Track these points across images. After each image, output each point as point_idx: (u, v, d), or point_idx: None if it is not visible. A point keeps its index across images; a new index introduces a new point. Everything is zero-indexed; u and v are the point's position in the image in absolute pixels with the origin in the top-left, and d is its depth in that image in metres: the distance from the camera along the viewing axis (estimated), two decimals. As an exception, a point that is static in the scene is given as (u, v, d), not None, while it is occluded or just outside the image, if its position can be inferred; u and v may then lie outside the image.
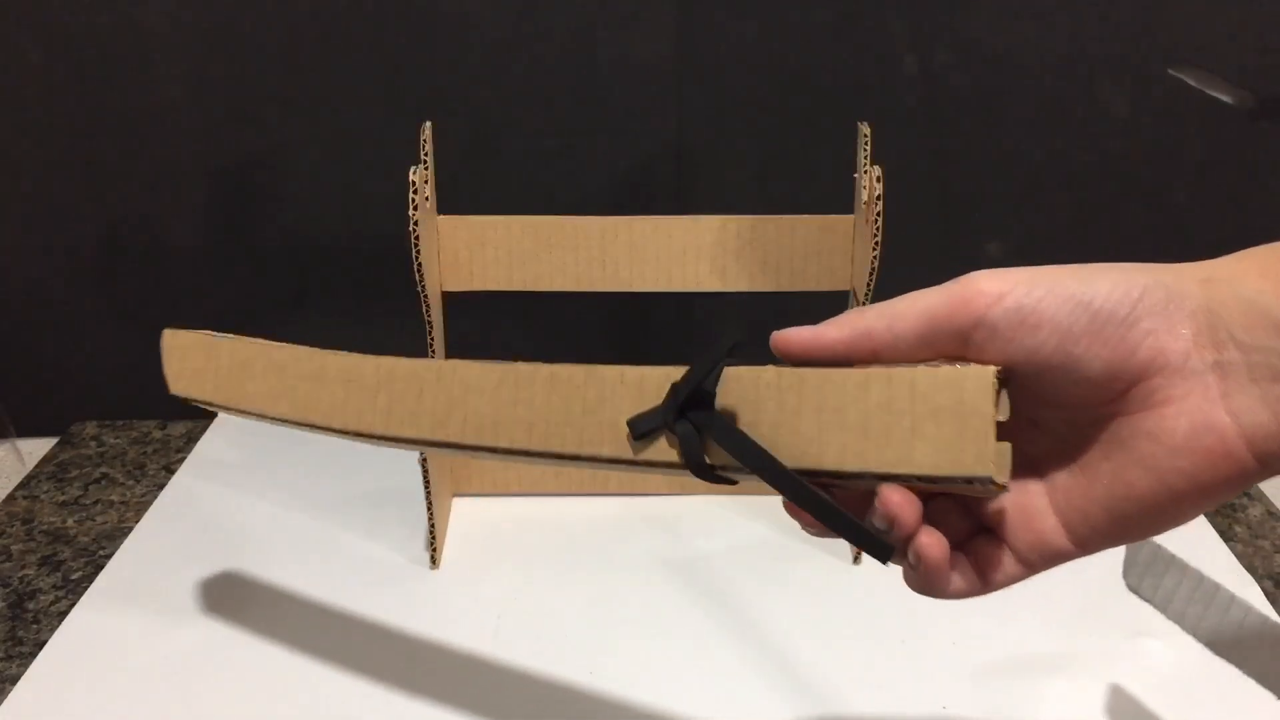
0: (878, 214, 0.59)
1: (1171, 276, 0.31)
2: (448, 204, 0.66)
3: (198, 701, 0.54)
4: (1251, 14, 0.72)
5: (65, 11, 0.72)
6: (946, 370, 0.33)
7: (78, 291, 0.80)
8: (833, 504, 0.34)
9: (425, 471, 0.62)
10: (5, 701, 0.54)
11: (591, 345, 0.82)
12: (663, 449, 0.37)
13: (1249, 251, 0.32)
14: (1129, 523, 0.32)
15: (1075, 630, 0.58)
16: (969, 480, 0.32)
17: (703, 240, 0.65)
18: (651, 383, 0.37)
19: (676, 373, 0.37)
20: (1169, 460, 0.31)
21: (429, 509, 0.63)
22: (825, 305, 0.68)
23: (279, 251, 0.79)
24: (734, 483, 0.36)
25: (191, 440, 0.80)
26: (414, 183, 0.60)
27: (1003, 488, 0.32)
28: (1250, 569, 0.64)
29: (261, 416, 0.49)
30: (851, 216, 0.65)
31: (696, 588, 0.62)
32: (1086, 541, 0.34)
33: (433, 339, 0.65)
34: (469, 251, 0.66)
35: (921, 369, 0.33)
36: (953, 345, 0.33)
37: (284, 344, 0.50)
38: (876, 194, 0.59)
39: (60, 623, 0.60)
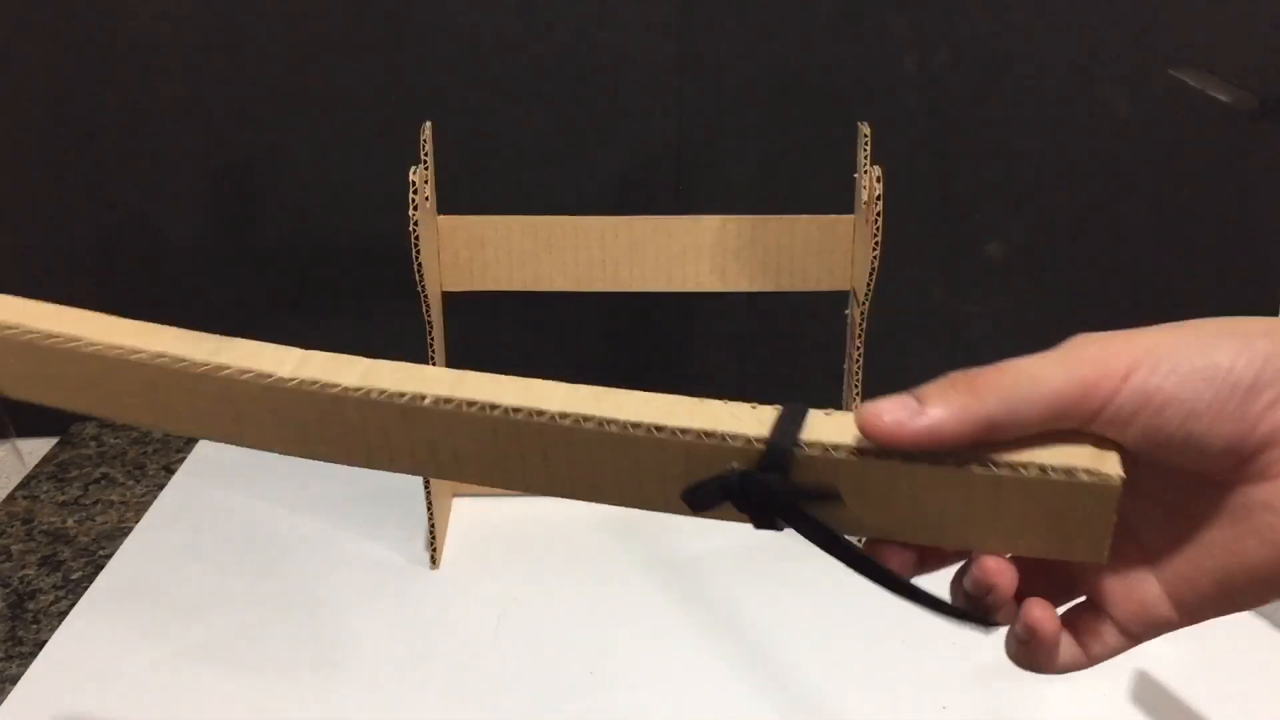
0: (878, 214, 0.59)
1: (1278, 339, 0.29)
2: (448, 204, 0.66)
3: (198, 701, 0.54)
4: (1251, 14, 0.72)
5: (66, 12, 0.72)
6: (1068, 483, 0.30)
7: (77, 291, 0.80)
8: (925, 592, 0.33)
9: (425, 471, 0.62)
10: (5, 701, 0.54)
11: (591, 345, 0.82)
12: (725, 510, 0.34)
13: None
14: (1239, 593, 0.32)
15: (1075, 630, 0.58)
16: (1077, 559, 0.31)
17: (703, 240, 0.65)
18: (702, 452, 0.33)
19: (721, 432, 0.32)
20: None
21: (429, 509, 0.63)
22: (825, 305, 0.68)
23: (279, 251, 0.79)
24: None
25: (191, 440, 0.80)
26: (414, 183, 0.60)
27: (1102, 561, 0.31)
28: (1250, 569, 0.64)
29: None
30: (851, 216, 0.65)
31: (696, 588, 0.62)
32: (1194, 612, 0.33)
33: (433, 339, 0.65)
34: (469, 251, 0.66)
35: (1036, 476, 0.30)
36: (1074, 426, 0.30)
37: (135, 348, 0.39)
38: (876, 194, 0.59)
39: (60, 623, 0.60)
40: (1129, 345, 0.29)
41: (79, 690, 0.55)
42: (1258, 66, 0.74)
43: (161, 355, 0.38)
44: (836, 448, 0.31)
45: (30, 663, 0.57)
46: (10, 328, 0.40)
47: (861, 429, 0.30)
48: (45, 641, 0.59)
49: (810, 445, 0.31)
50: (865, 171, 0.60)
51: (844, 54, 0.74)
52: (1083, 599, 0.34)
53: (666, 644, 0.58)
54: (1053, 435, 0.30)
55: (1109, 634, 0.33)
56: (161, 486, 0.74)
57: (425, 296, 0.63)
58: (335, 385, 0.35)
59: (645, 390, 0.35)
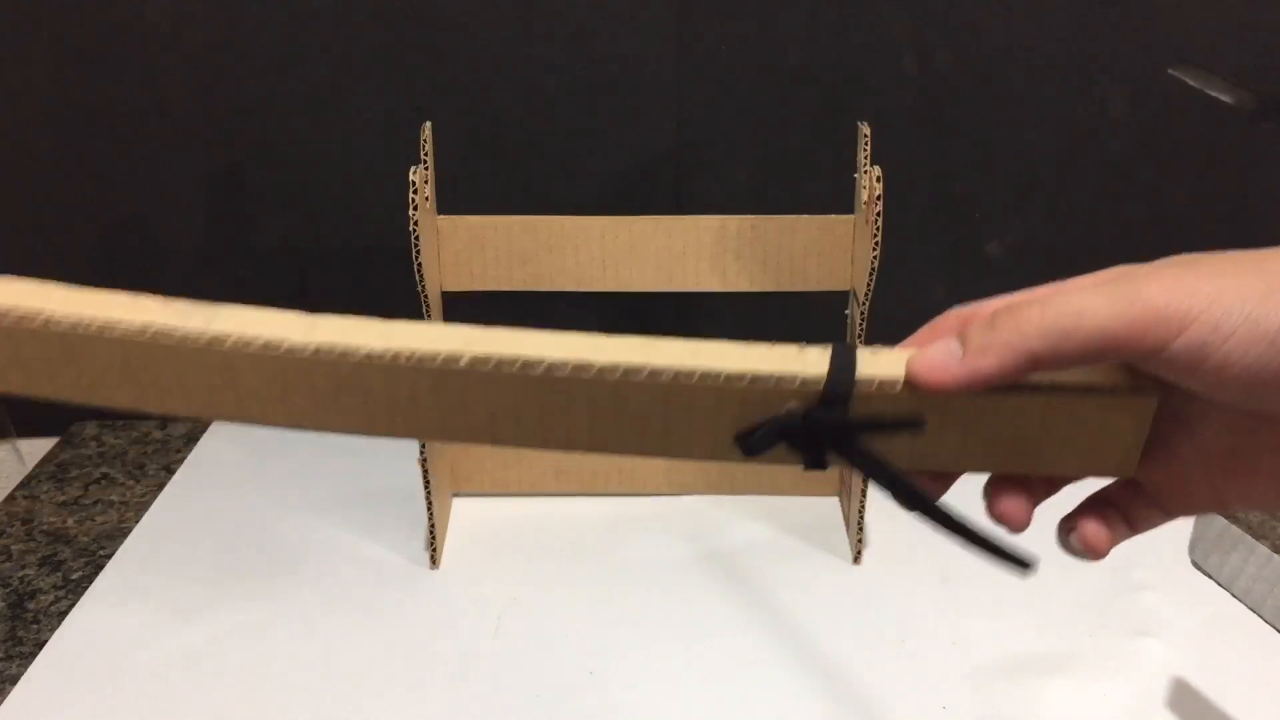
0: (878, 214, 0.59)
1: None
2: (448, 204, 0.66)
3: (197, 701, 0.54)
4: (1251, 14, 0.72)
5: (66, 11, 0.72)
6: (1108, 401, 0.32)
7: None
8: (979, 531, 0.34)
9: (425, 471, 0.62)
10: (5, 701, 0.54)
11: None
12: (778, 453, 0.33)
13: None
14: (1255, 503, 0.32)
15: (1075, 630, 0.58)
16: (1108, 476, 0.34)
17: (703, 240, 0.65)
18: (755, 395, 0.32)
19: (772, 374, 0.32)
20: None
21: (429, 509, 0.63)
22: (826, 305, 0.68)
23: (279, 251, 0.79)
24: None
25: (191, 440, 0.80)
26: (414, 183, 0.60)
27: (1130, 475, 0.34)
28: (1250, 569, 0.64)
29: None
30: (851, 217, 0.65)
31: (696, 588, 0.62)
32: (1235, 507, 0.33)
33: (433, 339, 0.65)
34: (469, 251, 0.66)
35: (1078, 397, 0.32)
36: (1118, 366, 0.31)
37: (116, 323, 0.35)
38: (876, 194, 0.59)
39: (60, 623, 0.60)
40: (1190, 293, 0.27)
41: (79, 690, 0.55)
42: (1258, 66, 0.74)
43: (147, 328, 0.34)
44: (892, 383, 0.31)
45: (30, 663, 0.57)
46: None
47: (912, 379, 0.31)
48: (45, 641, 0.59)
49: (865, 382, 0.31)
50: (865, 171, 0.60)
51: (844, 54, 0.74)
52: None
53: (666, 644, 0.58)
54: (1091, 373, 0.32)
55: (1154, 515, 0.34)
56: (161, 486, 0.74)
57: (425, 296, 0.63)
58: (358, 351, 0.32)
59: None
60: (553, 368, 0.32)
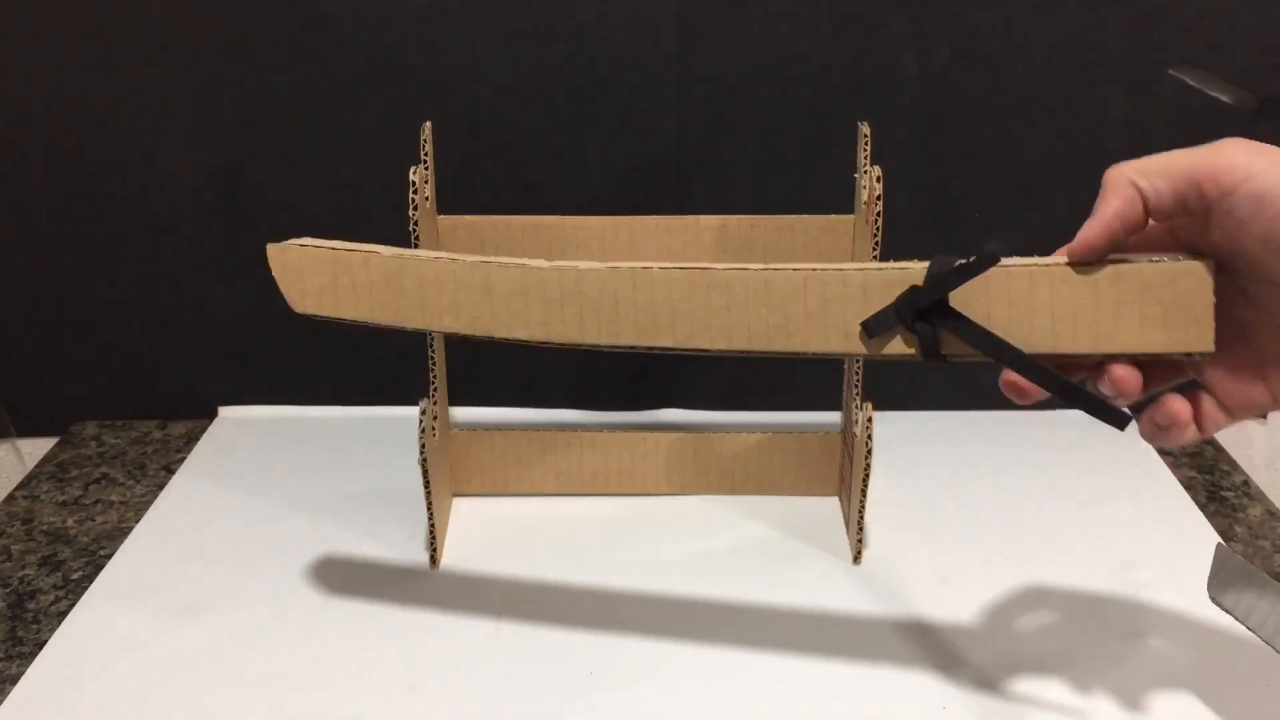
0: (878, 214, 0.59)
1: None
2: (448, 204, 0.66)
3: (198, 701, 0.54)
4: (1251, 14, 0.72)
5: (67, 10, 0.72)
6: (1170, 265, 0.39)
7: (78, 291, 0.80)
8: (1071, 382, 0.40)
9: (425, 471, 0.62)
10: (5, 701, 0.54)
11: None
12: (897, 344, 0.42)
13: None
14: None
15: (1075, 630, 0.58)
16: (1188, 354, 0.39)
17: (703, 240, 0.65)
18: (875, 285, 0.42)
19: (892, 272, 0.42)
20: None
21: (429, 509, 0.63)
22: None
23: (279, 251, 0.79)
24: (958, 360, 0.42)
25: (191, 440, 0.80)
26: (414, 183, 0.60)
27: (1210, 354, 0.39)
28: (1250, 569, 0.64)
29: (419, 328, 0.50)
30: (851, 217, 0.65)
31: (696, 588, 0.62)
32: (1245, 413, 0.39)
33: (433, 339, 0.65)
34: (469, 251, 0.66)
35: (1146, 265, 0.40)
36: (1198, 212, 0.36)
37: (418, 251, 0.49)
38: (876, 194, 0.59)
39: (60, 623, 0.60)
40: (1258, 155, 0.34)
41: (79, 690, 0.55)
42: (1258, 66, 0.74)
43: (439, 256, 0.48)
44: (981, 262, 0.40)
45: (30, 663, 0.57)
46: (316, 245, 0.50)
47: (1077, 243, 0.40)
48: (45, 641, 0.59)
49: (961, 263, 0.40)
50: (865, 171, 0.60)
51: (844, 54, 0.74)
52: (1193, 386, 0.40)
53: (666, 644, 0.58)
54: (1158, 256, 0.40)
55: (1218, 415, 0.39)
56: (161, 486, 0.74)
57: (425, 296, 0.63)
58: (580, 266, 0.45)
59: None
60: (719, 271, 0.44)
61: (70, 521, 0.71)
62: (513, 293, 0.47)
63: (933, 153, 0.76)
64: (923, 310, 0.41)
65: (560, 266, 0.45)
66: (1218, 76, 0.74)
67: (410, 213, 0.60)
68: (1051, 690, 0.54)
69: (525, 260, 0.46)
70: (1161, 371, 0.40)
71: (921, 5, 0.72)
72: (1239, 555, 0.47)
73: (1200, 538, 0.67)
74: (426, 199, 0.61)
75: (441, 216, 0.65)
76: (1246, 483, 0.74)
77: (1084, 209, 0.82)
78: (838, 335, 0.43)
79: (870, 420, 0.60)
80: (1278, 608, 0.46)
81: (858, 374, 0.65)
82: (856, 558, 0.64)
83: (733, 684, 0.55)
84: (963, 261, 0.40)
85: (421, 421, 0.60)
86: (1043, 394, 0.40)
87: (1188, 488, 0.72)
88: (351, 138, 0.76)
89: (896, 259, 0.43)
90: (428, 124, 0.62)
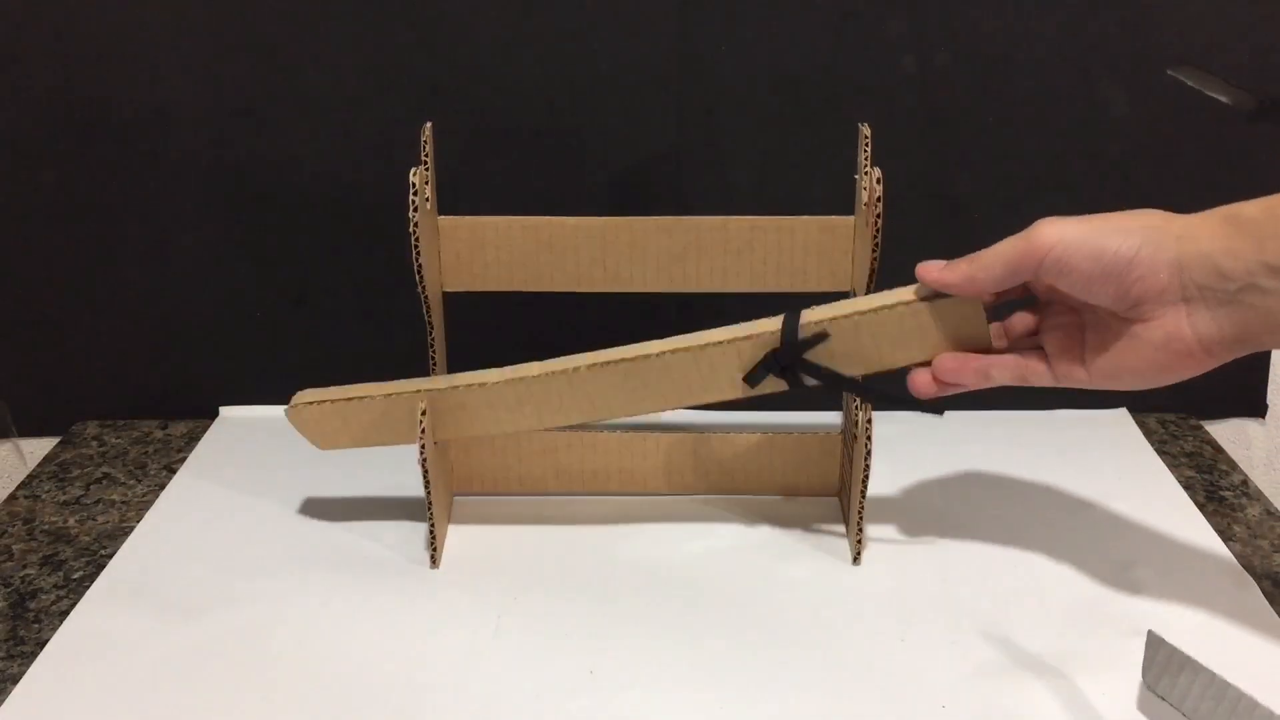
0: (878, 215, 0.59)
1: (1158, 234, 0.48)
2: (448, 204, 0.66)
3: (198, 701, 0.54)
4: (1251, 14, 0.72)
5: (67, 10, 0.72)
6: (952, 301, 0.54)
7: (79, 291, 0.80)
8: (889, 394, 0.58)
9: (425, 471, 0.62)
10: (6, 701, 0.55)
11: (591, 345, 0.82)
12: (769, 384, 0.58)
13: (1211, 213, 0.48)
14: (1128, 379, 0.51)
15: (1075, 630, 0.58)
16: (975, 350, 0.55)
17: (703, 240, 0.65)
18: (745, 350, 0.57)
19: (756, 334, 0.57)
20: (1153, 353, 0.49)
21: (429, 509, 0.63)
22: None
23: (279, 251, 0.79)
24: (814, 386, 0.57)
25: (192, 440, 0.80)
26: (414, 183, 0.60)
27: (988, 348, 0.56)
28: (1249, 569, 0.64)
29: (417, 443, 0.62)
30: (852, 218, 0.65)
31: (696, 587, 0.63)
32: (1097, 381, 0.52)
33: (433, 339, 0.66)
34: (469, 252, 0.66)
35: (938, 302, 0.54)
36: (1030, 277, 0.51)
37: (402, 384, 0.62)
38: (877, 195, 0.59)
39: (61, 622, 0.60)
40: (1062, 228, 0.49)
41: (80, 690, 0.55)
42: (1258, 66, 0.74)
43: (420, 388, 0.62)
44: (820, 320, 0.56)
45: (31, 662, 0.57)
46: (321, 400, 0.62)
47: (919, 274, 0.54)
48: (46, 641, 0.59)
49: (805, 321, 0.56)
50: (865, 173, 0.60)
51: (844, 54, 0.74)
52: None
53: (666, 644, 0.58)
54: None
55: (1046, 376, 0.54)
56: (163, 486, 0.74)
57: (425, 296, 0.63)
58: (531, 372, 0.60)
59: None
60: (625, 360, 0.59)
61: (71, 521, 0.71)
62: (480, 404, 0.61)
63: (933, 153, 0.76)
64: (785, 364, 0.56)
65: (513, 379, 0.60)
66: (1216, 76, 0.74)
67: (410, 214, 0.60)
68: (1051, 690, 0.54)
69: (485, 378, 0.61)
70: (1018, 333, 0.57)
71: (921, 5, 0.72)
72: (1171, 644, 0.49)
73: (1200, 538, 0.67)
74: (427, 200, 0.61)
75: (442, 217, 0.65)
76: (1245, 482, 0.74)
77: (1084, 209, 0.82)
78: (728, 388, 0.59)
79: (870, 421, 0.60)
80: (1209, 690, 0.47)
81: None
82: (856, 558, 0.64)
83: (733, 684, 0.55)
84: (805, 335, 0.56)
85: (422, 421, 0.61)
86: (951, 389, 0.56)
87: (1186, 487, 0.72)
88: (351, 138, 0.76)
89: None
90: (428, 124, 0.62)
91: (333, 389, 0.62)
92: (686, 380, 0.58)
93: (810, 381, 0.57)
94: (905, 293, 0.55)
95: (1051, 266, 0.49)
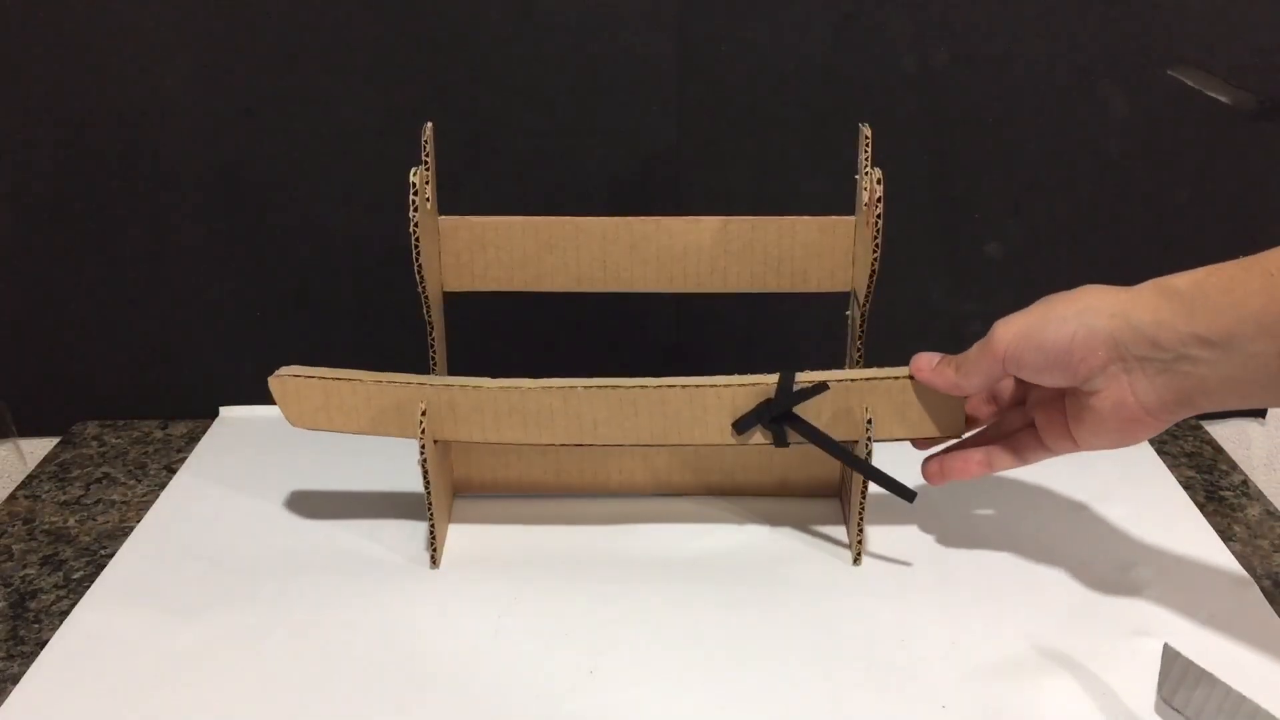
0: (878, 215, 0.59)
1: (1091, 315, 0.51)
2: (448, 204, 0.66)
3: (198, 701, 0.54)
4: (1251, 14, 0.72)
5: (66, 10, 0.72)
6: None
7: (79, 291, 0.80)
8: (871, 465, 0.60)
9: (425, 471, 0.62)
10: (6, 701, 0.55)
11: (591, 345, 0.82)
12: (756, 436, 0.60)
13: (1145, 285, 0.51)
14: (1103, 443, 0.55)
15: (1075, 630, 0.58)
16: (948, 437, 0.61)
17: (703, 240, 0.65)
18: (740, 396, 0.59)
19: (753, 383, 0.59)
20: (1104, 422, 0.54)
21: (429, 509, 0.63)
22: (826, 306, 0.68)
23: (279, 251, 0.79)
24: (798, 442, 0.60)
25: (192, 440, 0.80)
26: (414, 183, 0.60)
27: (960, 437, 0.61)
28: (1249, 569, 0.64)
29: (397, 436, 0.62)
30: (852, 218, 0.65)
31: (696, 588, 0.63)
32: (1085, 447, 0.57)
33: (433, 339, 0.66)
34: (469, 252, 0.66)
35: (904, 381, 0.60)
36: (1003, 376, 0.56)
37: (394, 375, 0.61)
38: (877, 195, 0.59)
39: (61, 622, 0.60)
40: (1009, 330, 0.54)
41: (80, 690, 0.55)
42: (1258, 66, 0.74)
43: (410, 381, 0.60)
44: (813, 383, 0.59)
45: (31, 662, 0.57)
46: (308, 375, 0.60)
47: (912, 362, 0.60)
48: (46, 641, 0.59)
49: (800, 380, 0.59)
50: (866, 173, 0.60)
51: (844, 54, 0.74)
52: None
53: (666, 644, 0.58)
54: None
55: (1040, 451, 0.59)
56: (163, 486, 0.74)
57: (425, 296, 0.63)
58: (524, 385, 0.60)
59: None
60: (628, 390, 0.59)
61: (72, 521, 0.71)
62: (471, 407, 0.60)
63: (933, 153, 0.77)
64: (775, 416, 0.59)
65: (506, 386, 0.59)
66: (1217, 76, 0.74)
67: (411, 214, 0.60)
68: (1051, 690, 0.54)
69: (480, 381, 0.60)
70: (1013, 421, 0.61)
71: (921, 5, 0.72)
72: (1186, 657, 0.49)
73: (1200, 538, 0.67)
74: (427, 199, 0.61)
75: (442, 217, 0.65)
76: (1245, 483, 0.74)
77: (1083, 209, 0.82)
78: (715, 432, 0.60)
79: (870, 422, 0.60)
80: (1225, 703, 0.47)
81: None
82: (856, 558, 0.64)
83: (732, 684, 0.55)
84: (801, 386, 0.58)
85: (422, 421, 0.61)
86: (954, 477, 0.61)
87: (1187, 488, 0.72)
88: (351, 138, 0.76)
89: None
90: (428, 124, 0.62)
91: (324, 368, 0.61)
92: (678, 417, 0.59)
93: (796, 439, 0.59)
94: (896, 370, 0.59)
95: (1011, 365, 0.54)
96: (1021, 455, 0.59)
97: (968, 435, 0.62)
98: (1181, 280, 0.50)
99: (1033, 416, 0.58)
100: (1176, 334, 0.49)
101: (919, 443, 0.62)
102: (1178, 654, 0.49)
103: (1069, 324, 0.52)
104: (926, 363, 0.59)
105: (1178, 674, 0.50)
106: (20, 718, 0.54)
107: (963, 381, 0.57)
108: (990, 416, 0.61)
